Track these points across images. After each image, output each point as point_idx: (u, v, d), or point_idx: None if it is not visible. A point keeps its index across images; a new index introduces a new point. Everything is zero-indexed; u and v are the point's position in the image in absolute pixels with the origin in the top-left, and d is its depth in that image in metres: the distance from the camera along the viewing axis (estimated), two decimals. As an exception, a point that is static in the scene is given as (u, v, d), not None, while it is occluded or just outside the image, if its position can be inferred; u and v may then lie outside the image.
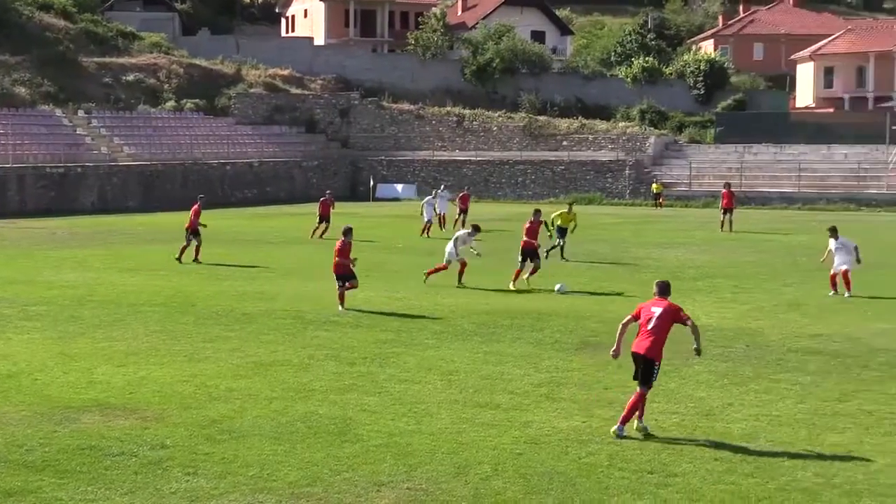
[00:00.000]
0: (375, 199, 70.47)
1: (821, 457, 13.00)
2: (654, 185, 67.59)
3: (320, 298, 25.70)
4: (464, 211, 47.45)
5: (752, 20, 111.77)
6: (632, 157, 72.66)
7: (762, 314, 24.09)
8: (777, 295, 27.19)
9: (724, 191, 48.19)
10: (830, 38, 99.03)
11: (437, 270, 28.45)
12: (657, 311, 13.85)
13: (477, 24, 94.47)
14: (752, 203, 63.17)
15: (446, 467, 12.45)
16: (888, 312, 24.38)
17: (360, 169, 76.53)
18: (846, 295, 26.38)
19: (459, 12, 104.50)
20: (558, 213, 35.40)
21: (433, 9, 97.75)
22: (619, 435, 13.61)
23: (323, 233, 42.22)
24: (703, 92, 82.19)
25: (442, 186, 51.66)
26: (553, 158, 74.56)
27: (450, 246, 28.47)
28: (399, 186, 74.87)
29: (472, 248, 28.61)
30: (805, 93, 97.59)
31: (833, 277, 27.08)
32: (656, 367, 13.82)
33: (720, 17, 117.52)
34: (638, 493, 11.62)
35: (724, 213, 47.06)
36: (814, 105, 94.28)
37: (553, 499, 11.46)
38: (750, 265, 34.02)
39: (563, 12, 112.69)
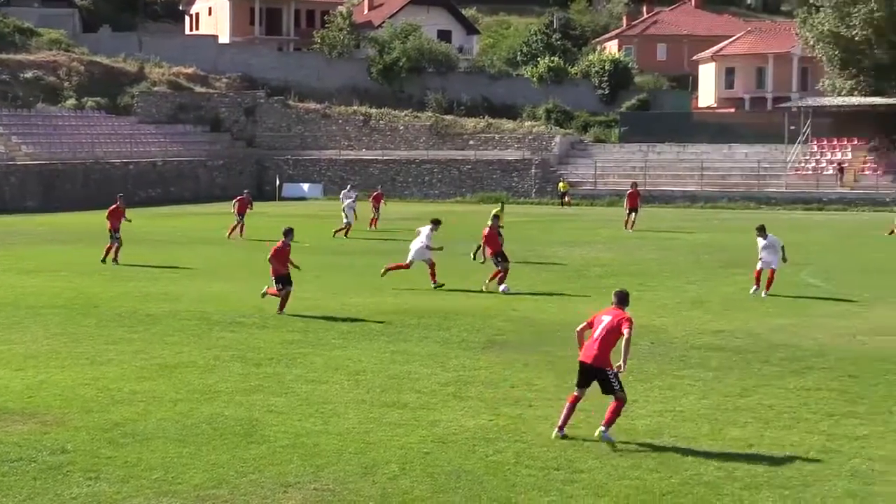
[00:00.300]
0: (281, 199, 70.03)
1: (723, 451, 13.21)
2: (560, 184, 68.20)
3: (226, 299, 25.46)
4: (376, 209, 47.47)
5: (655, 21, 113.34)
6: (538, 156, 73.23)
7: (666, 311, 24.42)
8: (680, 292, 27.58)
9: (630, 190, 48.76)
10: (731, 40, 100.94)
11: (433, 274, 27.78)
12: (605, 319, 13.71)
13: (383, 23, 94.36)
14: (655, 202, 64.06)
15: (353, 467, 12.40)
16: (787, 309, 24.90)
17: (265, 168, 76.00)
18: (763, 294, 26.67)
19: (366, 11, 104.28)
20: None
21: (339, 7, 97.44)
22: (606, 439, 13.29)
23: (231, 231, 41.93)
24: (607, 92, 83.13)
25: (349, 186, 51.45)
26: (460, 158, 74.81)
27: (416, 246, 28.06)
28: (305, 186, 74.53)
29: (428, 244, 28.04)
30: (707, 93, 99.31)
31: (758, 274, 27.16)
32: (610, 374, 13.47)
33: (624, 18, 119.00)
34: (544, 490, 11.70)
35: (630, 212, 47.61)
36: (715, 105, 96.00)
37: (460, 497, 11.48)
38: (654, 263, 34.49)
39: (469, 12, 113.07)
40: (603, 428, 13.41)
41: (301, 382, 16.70)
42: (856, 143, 70.48)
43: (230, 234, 41.90)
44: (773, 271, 26.93)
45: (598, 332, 13.67)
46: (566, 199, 66.98)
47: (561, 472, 12.32)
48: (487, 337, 20.91)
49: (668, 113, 80.00)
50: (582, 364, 13.69)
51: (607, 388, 13.55)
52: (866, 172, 67.94)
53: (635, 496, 11.55)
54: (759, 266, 27.29)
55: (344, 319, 22.74)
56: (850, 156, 69.49)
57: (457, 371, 17.68)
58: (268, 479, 11.92)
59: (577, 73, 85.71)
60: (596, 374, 13.56)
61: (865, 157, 69.70)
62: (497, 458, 12.81)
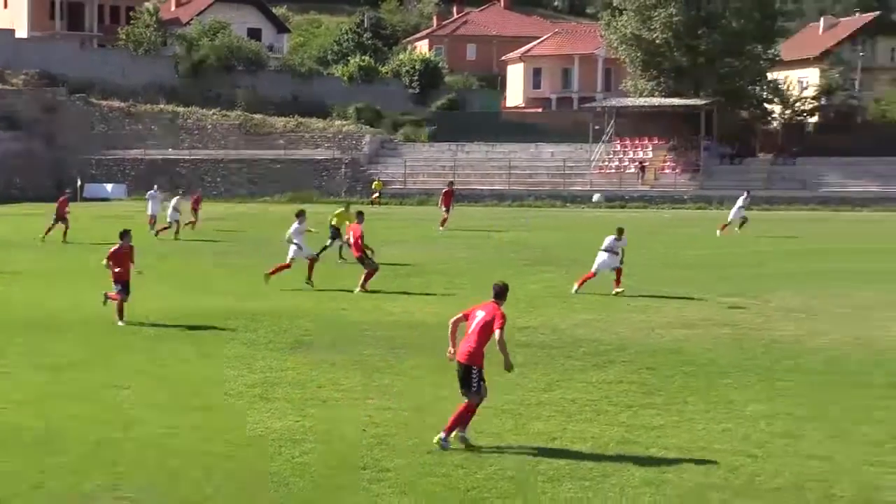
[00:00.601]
0: (83, 199, 67.94)
1: (527, 445, 13.46)
2: (374, 183, 68.35)
3: (24, 303, 24.59)
4: (195, 211, 46.65)
5: (465, 21, 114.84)
6: (348, 155, 73.28)
7: (474, 308, 24.65)
8: (488, 290, 27.84)
9: (445, 189, 49.25)
10: (539, 41, 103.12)
11: (280, 269, 27.50)
12: (480, 314, 13.48)
13: (191, 20, 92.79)
14: (465, 200, 64.77)
15: (156, 475, 12.12)
16: (591, 304, 25.54)
17: (66, 168, 73.52)
18: (616, 291, 26.94)
19: (173, 8, 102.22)
20: (336, 213, 34.78)
21: (146, 3, 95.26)
22: (443, 446, 13.04)
23: (64, 234, 40.53)
24: (418, 91, 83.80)
25: (155, 187, 50.28)
26: (269, 157, 74.18)
27: (292, 245, 27.65)
28: (109, 186, 72.62)
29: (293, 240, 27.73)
30: (515, 93, 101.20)
31: (589, 276, 27.22)
32: (474, 373, 13.26)
33: (434, 18, 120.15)
34: (351, 490, 11.69)
35: (446, 210, 48.04)
36: (523, 105, 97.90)
37: (266, 500, 11.37)
38: (463, 261, 34.88)
39: (279, 10, 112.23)
40: (443, 434, 13.13)
41: (103, 388, 16.23)
42: (656, 142, 72.97)
43: (64, 236, 40.50)
44: (619, 269, 27.31)
45: (472, 327, 13.46)
46: (374, 197, 67.10)
47: (368, 471, 12.34)
48: (295, 337, 20.76)
49: (477, 112, 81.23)
50: (457, 362, 13.41)
51: (465, 384, 13.28)
52: (666, 171, 70.42)
53: (441, 493, 11.66)
54: (594, 269, 27.32)
55: (149, 323, 22.22)
56: (650, 154, 71.91)
57: (263, 373, 17.49)
58: (65, 490, 11.54)
59: (387, 73, 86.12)
60: (463, 369, 13.32)
61: (665, 155, 72.24)
62: (304, 460, 12.73)
